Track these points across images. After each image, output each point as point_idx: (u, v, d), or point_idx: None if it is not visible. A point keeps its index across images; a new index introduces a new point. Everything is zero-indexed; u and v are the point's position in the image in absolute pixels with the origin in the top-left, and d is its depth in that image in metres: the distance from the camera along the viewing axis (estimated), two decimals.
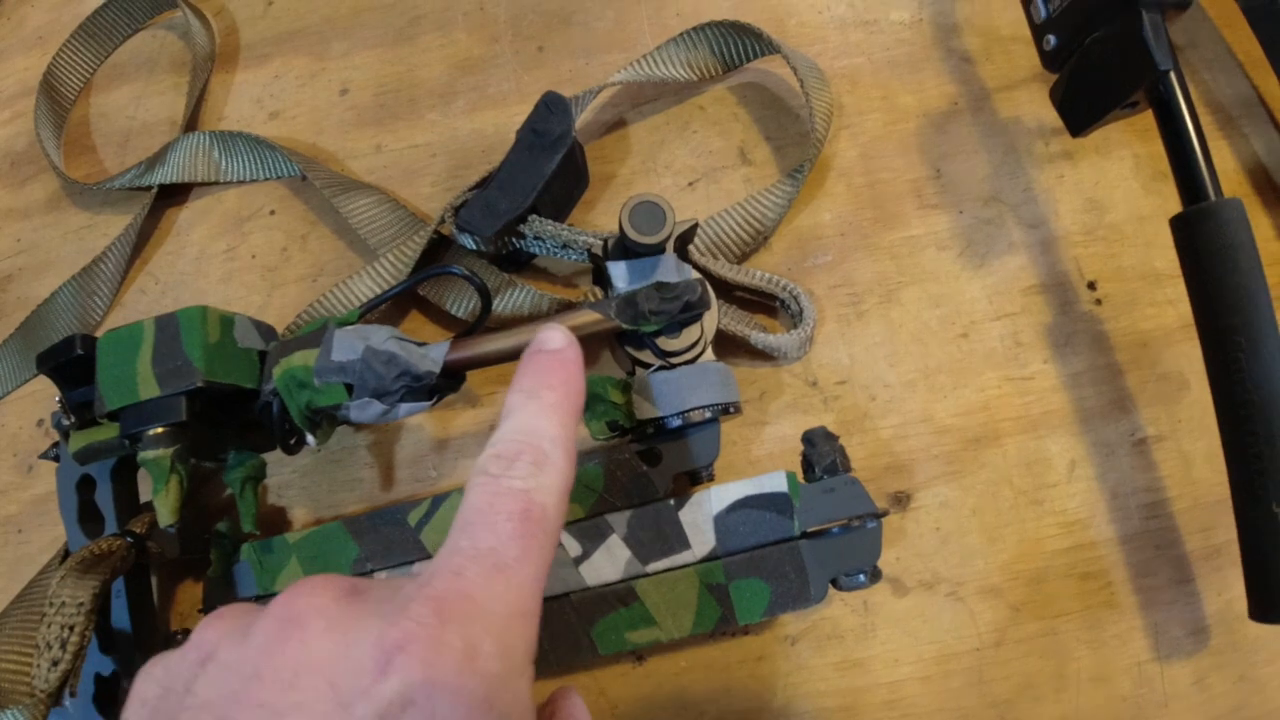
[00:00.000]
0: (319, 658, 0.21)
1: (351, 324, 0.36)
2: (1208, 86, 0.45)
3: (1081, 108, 0.38)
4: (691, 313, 0.35)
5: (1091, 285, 0.42)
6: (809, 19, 0.48)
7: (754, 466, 0.40)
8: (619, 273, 0.37)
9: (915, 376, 0.41)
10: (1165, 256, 0.42)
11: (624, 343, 0.37)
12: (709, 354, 0.37)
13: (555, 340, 0.28)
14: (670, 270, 0.36)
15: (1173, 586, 0.38)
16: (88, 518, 0.40)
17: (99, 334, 0.37)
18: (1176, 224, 0.36)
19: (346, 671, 0.21)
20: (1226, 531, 0.38)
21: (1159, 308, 0.42)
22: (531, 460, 0.25)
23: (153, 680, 0.24)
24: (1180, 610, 0.38)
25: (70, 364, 0.36)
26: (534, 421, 0.26)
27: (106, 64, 0.57)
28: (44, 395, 0.48)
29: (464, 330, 0.39)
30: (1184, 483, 0.39)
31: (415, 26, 0.52)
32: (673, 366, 0.36)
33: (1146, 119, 0.39)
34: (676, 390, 0.35)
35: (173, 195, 0.51)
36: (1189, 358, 0.41)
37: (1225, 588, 0.38)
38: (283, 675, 0.21)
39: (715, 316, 0.37)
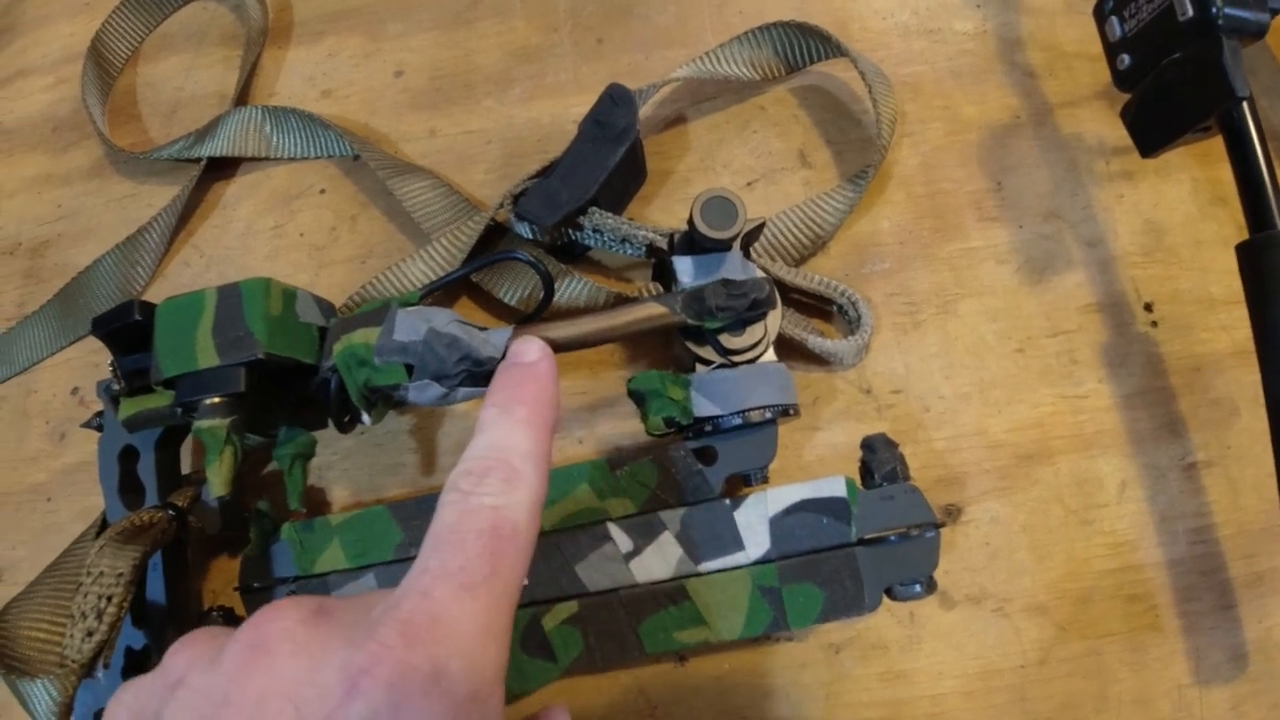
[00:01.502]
0: (285, 682, 0.21)
1: (413, 305, 0.36)
2: (1265, 114, 0.45)
3: (1153, 129, 0.38)
4: (758, 311, 0.35)
5: (1148, 307, 0.42)
6: (872, 24, 0.48)
7: (804, 471, 0.40)
8: (684, 267, 0.36)
9: (970, 389, 0.41)
10: (1221, 282, 0.42)
11: (686, 338, 0.36)
12: (770, 354, 0.36)
13: (529, 353, 0.28)
14: (736, 268, 0.36)
15: (1215, 612, 0.38)
16: (128, 489, 0.39)
17: None
18: (1242, 250, 0.36)
19: (312, 696, 0.21)
20: (1269, 559, 0.39)
21: (1213, 333, 0.41)
22: (502, 477, 0.25)
23: (123, 706, 0.24)
24: (1221, 636, 0.38)
25: (126, 329, 0.36)
26: (506, 437, 0.26)
27: (155, 34, 0.56)
28: (78, 364, 0.48)
29: (523, 318, 0.39)
30: (1231, 509, 0.39)
31: (473, 11, 0.52)
32: (734, 365, 0.36)
33: (1206, 143, 0.39)
34: (737, 389, 0.35)
35: (220, 169, 0.50)
36: (1240, 384, 0.41)
37: (1266, 615, 0.38)
38: (249, 700, 0.21)
39: (779, 316, 0.37)
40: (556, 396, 0.28)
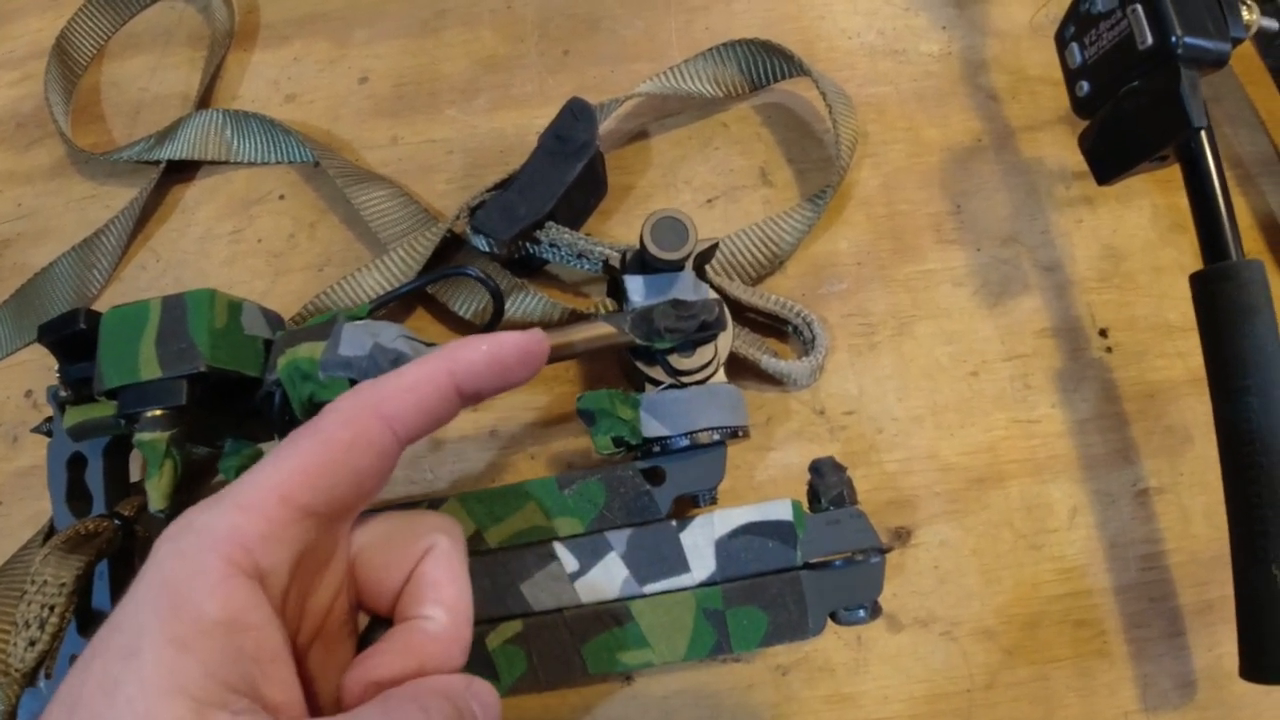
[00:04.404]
0: None
1: (361, 319, 0.36)
2: (1228, 142, 0.46)
3: (1110, 157, 0.38)
4: (707, 332, 0.35)
5: (1103, 332, 0.42)
6: (838, 44, 0.48)
7: (756, 492, 0.40)
8: (635, 287, 0.36)
9: (923, 412, 0.41)
10: (1178, 309, 0.42)
11: (635, 358, 0.36)
12: (720, 375, 0.36)
13: None
14: (688, 288, 0.36)
15: (1164, 639, 0.38)
16: (76, 496, 0.39)
17: (95, 307, 0.36)
18: (1196, 281, 0.36)
19: None
20: (1219, 588, 0.39)
21: (1168, 360, 0.42)
22: None
23: None
24: (1169, 663, 0.38)
25: (72, 338, 0.35)
26: None
27: (121, 32, 0.56)
28: (33, 365, 0.47)
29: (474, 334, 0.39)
30: (1181, 537, 0.39)
31: (440, 20, 0.51)
32: (683, 385, 0.36)
33: (1167, 170, 0.39)
34: (686, 410, 0.35)
35: (180, 172, 0.50)
36: (1194, 412, 0.41)
37: (1215, 644, 0.38)
38: None
39: (730, 338, 0.37)
40: None
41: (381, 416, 0.25)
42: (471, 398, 0.28)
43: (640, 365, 0.36)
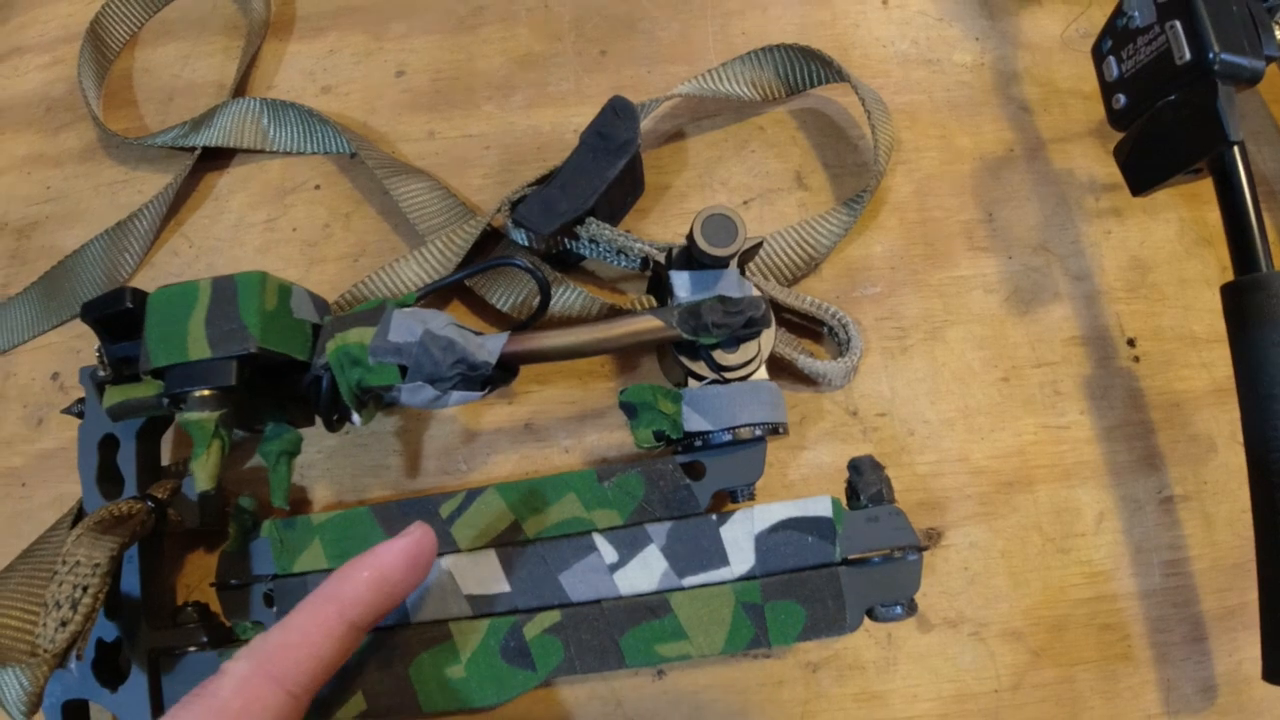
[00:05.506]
0: None
1: (409, 306, 0.36)
2: (1253, 158, 0.46)
3: (1146, 169, 0.39)
4: (753, 329, 0.35)
5: (1131, 342, 0.42)
6: (872, 52, 0.48)
7: (789, 490, 0.40)
8: (681, 282, 0.36)
9: (954, 415, 0.41)
10: (1203, 321, 0.43)
11: (679, 353, 0.37)
12: (762, 372, 0.37)
13: None
14: (733, 285, 0.36)
15: (1186, 644, 0.39)
16: (107, 478, 0.39)
17: None
18: (1228, 291, 0.37)
19: None
20: (1241, 595, 0.39)
21: (1193, 370, 0.42)
22: None
23: None
24: (1192, 668, 0.39)
25: (116, 316, 0.35)
26: None
27: (156, 19, 0.56)
28: (60, 348, 0.47)
29: (519, 324, 0.39)
30: (1205, 544, 0.40)
31: (477, 16, 0.52)
32: (726, 381, 0.36)
33: (1193, 184, 0.40)
34: (728, 405, 0.35)
35: (214, 159, 0.50)
36: (1218, 421, 0.41)
37: (1236, 649, 0.39)
38: None
39: (772, 335, 0.37)
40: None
41: (273, 678, 0.26)
42: (369, 625, 0.29)
43: (684, 360, 0.36)
